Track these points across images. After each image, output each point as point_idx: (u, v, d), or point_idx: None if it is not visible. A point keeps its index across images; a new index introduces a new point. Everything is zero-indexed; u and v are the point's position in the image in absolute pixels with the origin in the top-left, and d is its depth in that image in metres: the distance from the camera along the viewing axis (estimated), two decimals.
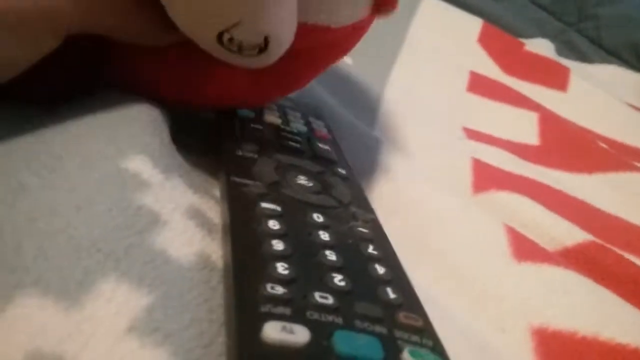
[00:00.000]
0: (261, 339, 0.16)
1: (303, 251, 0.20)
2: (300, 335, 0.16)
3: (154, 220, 0.20)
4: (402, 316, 0.19)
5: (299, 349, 0.16)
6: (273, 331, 0.16)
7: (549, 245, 0.31)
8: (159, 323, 0.17)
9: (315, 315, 0.17)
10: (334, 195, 0.25)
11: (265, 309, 0.17)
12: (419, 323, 0.19)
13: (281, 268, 0.19)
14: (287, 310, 0.17)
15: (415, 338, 0.18)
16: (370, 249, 0.22)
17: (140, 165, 0.21)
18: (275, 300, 0.17)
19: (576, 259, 0.30)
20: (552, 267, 0.27)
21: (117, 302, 0.17)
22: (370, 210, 0.26)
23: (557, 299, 0.25)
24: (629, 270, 0.29)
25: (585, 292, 0.25)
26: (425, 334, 0.18)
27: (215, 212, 0.24)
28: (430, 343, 0.18)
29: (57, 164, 0.20)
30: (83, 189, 0.19)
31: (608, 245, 0.32)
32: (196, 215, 0.22)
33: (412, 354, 0.17)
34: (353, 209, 0.25)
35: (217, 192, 0.25)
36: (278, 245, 0.20)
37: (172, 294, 0.18)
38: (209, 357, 0.17)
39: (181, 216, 0.22)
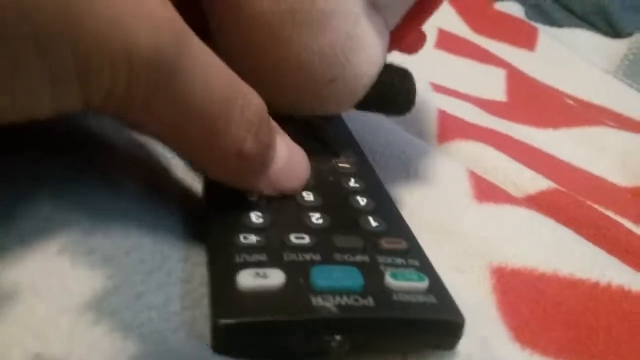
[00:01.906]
0: (235, 289, 0.15)
1: (277, 198, 0.20)
2: (274, 278, 0.16)
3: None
4: (384, 242, 0.18)
5: (274, 291, 0.16)
6: (246, 279, 0.16)
7: (513, 193, 0.31)
8: (96, 245, 0.16)
9: (292, 257, 0.17)
10: (316, 136, 0.25)
11: (239, 259, 0.16)
12: (403, 245, 0.18)
13: (255, 217, 0.18)
14: (262, 257, 0.17)
15: (399, 260, 0.18)
16: (352, 183, 0.22)
17: None
18: (250, 249, 0.17)
19: (539, 205, 0.30)
20: (513, 208, 0.26)
21: (52, 224, 0.16)
22: (354, 144, 0.25)
23: (518, 238, 0.24)
24: (591, 215, 0.29)
25: (547, 231, 0.25)
26: (411, 254, 0.18)
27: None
28: (416, 262, 0.18)
29: None
30: None
31: (571, 193, 0.32)
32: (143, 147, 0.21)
33: (393, 276, 0.17)
34: (337, 148, 0.24)
35: None
36: (252, 196, 0.19)
37: (114, 219, 0.17)
38: (148, 286, 0.16)
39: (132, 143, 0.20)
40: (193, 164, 0.20)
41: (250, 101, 0.17)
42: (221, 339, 0.15)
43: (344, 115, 0.31)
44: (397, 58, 0.27)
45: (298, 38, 0.19)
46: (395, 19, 0.23)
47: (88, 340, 0.13)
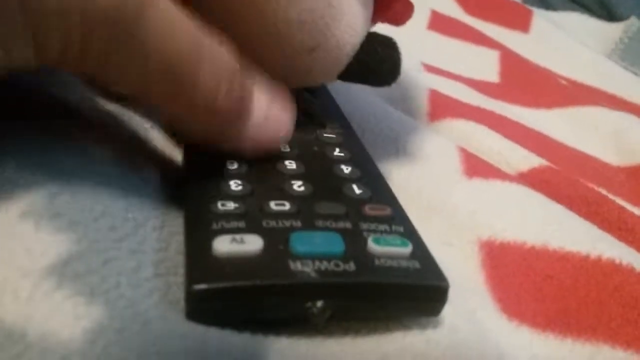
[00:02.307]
0: (211, 255, 0.15)
1: (260, 166, 0.19)
2: (252, 243, 0.15)
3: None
4: (367, 208, 0.18)
5: (252, 257, 0.15)
6: (222, 245, 0.15)
7: (505, 170, 0.30)
8: (62, 209, 0.15)
9: (272, 223, 0.16)
10: (302, 108, 0.24)
11: (217, 226, 0.16)
12: (387, 212, 0.18)
13: (234, 185, 0.18)
14: (240, 224, 0.16)
15: (383, 227, 0.17)
16: (337, 152, 0.21)
17: None
18: (227, 216, 0.16)
19: (531, 182, 0.29)
20: (504, 183, 0.26)
21: (16, 185, 0.15)
22: (341, 117, 0.25)
23: (507, 212, 0.24)
24: (583, 192, 0.28)
25: (537, 206, 0.24)
26: (395, 220, 0.17)
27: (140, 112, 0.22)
28: (400, 229, 0.17)
29: None
30: None
31: (564, 171, 0.31)
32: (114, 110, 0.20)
33: (376, 241, 0.16)
34: (322, 118, 0.23)
35: None
36: (232, 164, 0.19)
37: (84, 184, 0.16)
38: (117, 252, 0.15)
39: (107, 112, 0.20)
40: (165, 120, 0.19)
41: (219, 54, 0.16)
42: (195, 305, 0.14)
43: (333, 92, 0.30)
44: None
45: (276, 6, 0.18)
46: None
47: (49, 305, 0.13)
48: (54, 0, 0.12)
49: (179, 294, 0.15)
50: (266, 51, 0.20)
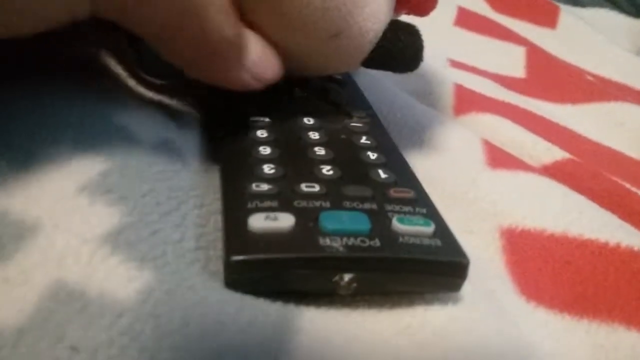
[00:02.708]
0: (247, 230, 0.16)
1: (292, 152, 0.20)
2: (284, 221, 0.17)
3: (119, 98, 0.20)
4: (392, 191, 0.19)
5: (284, 232, 0.16)
6: (256, 221, 0.16)
7: (528, 162, 0.31)
8: (113, 186, 0.16)
9: (303, 203, 0.18)
10: (330, 99, 0.25)
11: (251, 205, 0.17)
12: (411, 194, 0.19)
13: (267, 169, 0.19)
14: (274, 204, 0.17)
15: (407, 208, 0.18)
16: (363, 140, 0.22)
17: None
18: (262, 196, 0.18)
19: (553, 174, 0.30)
20: (526, 174, 0.26)
21: (69, 166, 0.16)
22: (368, 107, 0.26)
23: (529, 201, 0.25)
24: (604, 184, 0.29)
25: (558, 196, 0.25)
26: (419, 202, 0.19)
27: (181, 105, 0.23)
28: (423, 210, 0.18)
29: None
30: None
31: (586, 163, 0.32)
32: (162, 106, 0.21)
33: (400, 220, 0.17)
34: (349, 108, 0.24)
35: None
36: (265, 150, 0.20)
37: (131, 165, 0.18)
38: (163, 224, 0.16)
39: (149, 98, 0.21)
40: (184, 66, 0.21)
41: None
42: (233, 274, 0.16)
43: (360, 84, 0.31)
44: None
45: None
46: None
47: (105, 268, 0.14)
48: None
49: (218, 265, 0.16)
50: (291, 37, 0.21)
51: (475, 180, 0.26)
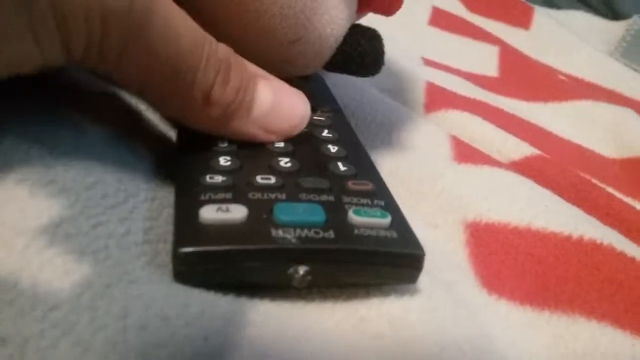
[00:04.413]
0: (198, 222, 0.16)
1: (249, 145, 0.20)
2: (236, 212, 0.16)
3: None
4: (351, 184, 0.19)
5: (236, 224, 0.16)
6: (208, 213, 0.16)
7: (496, 158, 0.31)
8: (55, 177, 0.16)
9: (257, 195, 0.17)
10: None
11: (204, 197, 0.17)
12: (369, 187, 0.19)
13: (223, 160, 0.19)
14: (227, 195, 0.17)
15: (364, 200, 0.18)
16: (325, 133, 0.22)
17: None
18: (215, 188, 0.17)
19: (521, 170, 0.30)
20: (492, 168, 0.26)
21: (11, 157, 0.16)
22: (332, 102, 0.25)
23: (494, 195, 0.24)
24: (571, 179, 0.29)
25: (524, 190, 0.25)
26: (377, 195, 0.18)
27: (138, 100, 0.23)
28: (381, 203, 0.18)
29: None
30: None
31: (554, 160, 0.32)
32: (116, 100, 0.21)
33: (356, 212, 0.17)
34: (313, 103, 0.24)
35: None
36: (223, 143, 0.20)
37: (77, 156, 0.17)
38: (108, 217, 0.16)
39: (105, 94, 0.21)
40: (167, 113, 0.20)
41: (215, 49, 0.17)
42: (182, 267, 0.15)
43: (329, 80, 0.31)
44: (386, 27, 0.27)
45: (259, 2, 0.19)
46: None
47: (40, 260, 0.13)
48: (78, 2, 0.14)
49: (167, 259, 0.16)
50: (251, 44, 0.20)
51: (441, 175, 0.26)
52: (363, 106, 0.31)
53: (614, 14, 0.72)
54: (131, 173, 0.18)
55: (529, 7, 0.58)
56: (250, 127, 0.19)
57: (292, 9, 0.20)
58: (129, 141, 0.20)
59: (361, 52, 0.23)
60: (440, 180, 0.25)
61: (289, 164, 0.19)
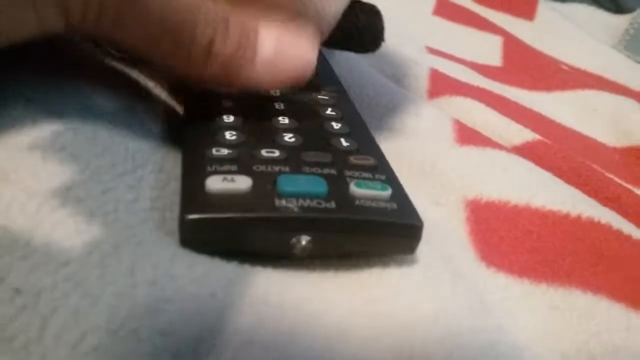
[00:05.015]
0: (204, 191, 0.16)
1: (255, 121, 0.20)
2: (241, 182, 0.17)
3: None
4: (353, 158, 0.19)
5: (241, 194, 0.16)
6: (214, 183, 0.16)
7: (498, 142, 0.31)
8: (66, 144, 0.16)
9: (262, 168, 0.18)
10: None
11: (210, 168, 0.17)
12: (371, 162, 0.19)
13: (229, 135, 0.19)
14: (233, 167, 0.17)
15: (366, 174, 0.18)
16: (329, 111, 0.22)
17: None
18: (221, 160, 0.18)
19: (523, 154, 0.30)
20: (493, 150, 0.27)
21: (22, 124, 0.16)
22: (337, 83, 0.26)
23: (495, 175, 0.25)
24: (572, 164, 0.29)
25: (524, 171, 0.25)
26: (379, 170, 0.19)
27: (147, 75, 0.23)
28: (382, 177, 0.18)
29: None
30: None
31: (556, 145, 0.32)
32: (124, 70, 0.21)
33: (358, 185, 0.17)
34: (318, 83, 0.24)
35: None
36: (229, 118, 0.20)
37: (86, 126, 0.17)
38: (117, 184, 0.16)
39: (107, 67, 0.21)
40: (171, 71, 0.21)
41: (213, 7, 0.17)
42: (188, 233, 0.16)
43: (334, 63, 0.31)
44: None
45: None
46: None
47: (53, 220, 0.14)
48: None
49: (174, 226, 0.16)
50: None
51: (443, 156, 0.26)
52: (368, 90, 0.31)
53: (617, 8, 0.72)
54: (139, 144, 0.19)
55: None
56: (255, 76, 0.19)
57: None
58: (137, 113, 0.20)
59: (360, 28, 0.23)
60: (442, 161, 0.26)
61: (293, 139, 0.19)
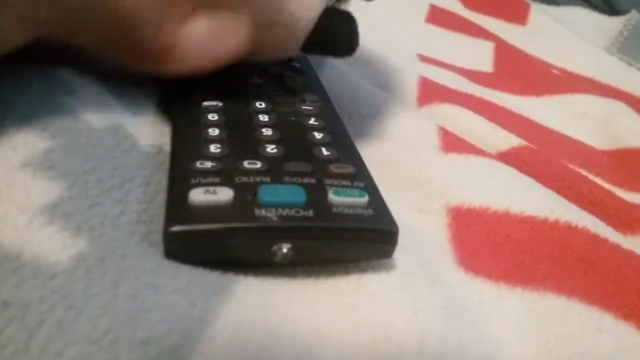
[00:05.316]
0: (187, 203, 0.17)
1: (239, 133, 0.21)
2: (223, 194, 0.17)
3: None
4: (332, 167, 0.20)
5: (222, 205, 0.17)
6: (196, 195, 0.17)
7: (484, 149, 0.32)
8: (56, 162, 0.17)
9: (244, 179, 0.18)
10: (286, 85, 0.26)
11: (194, 181, 0.18)
12: (350, 170, 0.20)
13: (213, 148, 0.20)
14: (215, 179, 0.18)
15: (345, 182, 0.19)
16: (312, 121, 0.23)
17: None
18: (205, 173, 0.18)
19: (507, 160, 0.31)
20: (477, 157, 0.27)
21: (15, 141, 0.17)
22: (322, 93, 0.26)
23: (478, 182, 0.25)
24: (556, 169, 0.30)
25: (506, 177, 0.26)
26: (357, 177, 0.19)
27: (136, 91, 0.24)
28: (361, 184, 0.19)
29: None
30: None
31: (541, 150, 0.33)
32: (113, 87, 0.22)
33: (336, 193, 0.18)
34: (304, 94, 0.25)
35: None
36: (214, 131, 0.21)
37: (76, 143, 0.18)
38: (104, 199, 0.17)
39: (96, 85, 0.22)
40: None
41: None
42: (172, 245, 0.16)
43: (321, 73, 0.32)
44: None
45: None
46: None
47: (41, 235, 0.15)
48: None
49: (159, 238, 0.17)
50: None
51: (428, 164, 0.27)
52: (356, 99, 0.32)
53: (612, 10, 0.73)
54: (126, 159, 0.19)
55: (526, 4, 0.59)
56: (185, 57, 0.21)
57: None
58: (126, 128, 0.21)
59: (335, 34, 0.24)
60: (426, 169, 0.26)
61: (275, 150, 0.20)
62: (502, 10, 0.58)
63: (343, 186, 0.19)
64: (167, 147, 0.21)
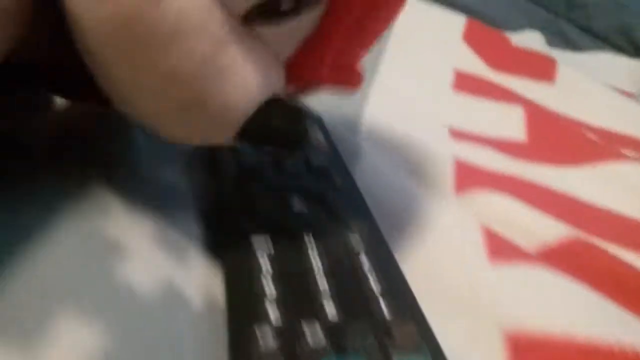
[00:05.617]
0: None
1: (295, 288, 0.21)
2: None
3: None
4: (394, 329, 0.19)
5: None
6: None
7: (529, 243, 0.31)
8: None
9: (307, 349, 0.18)
10: (328, 207, 0.26)
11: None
12: (413, 329, 0.19)
13: (272, 312, 0.19)
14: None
15: (408, 345, 0.18)
16: (362, 259, 0.23)
17: None
18: (268, 356, 0.18)
19: (556, 258, 0.30)
20: (527, 267, 0.27)
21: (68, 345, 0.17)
22: (365, 212, 0.26)
23: (533, 301, 0.25)
24: (609, 264, 0.29)
25: (562, 294, 0.25)
26: (421, 336, 0.19)
27: (181, 235, 0.24)
28: (425, 347, 0.18)
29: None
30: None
31: (593, 239, 0.31)
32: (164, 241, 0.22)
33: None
34: (348, 219, 0.25)
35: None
36: (269, 285, 0.20)
37: (132, 331, 0.18)
38: None
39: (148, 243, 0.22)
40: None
41: None
42: None
43: (354, 167, 0.31)
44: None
45: (140, 58, 0.18)
46: (285, 49, 0.21)
47: None
48: None
49: None
50: (140, 104, 0.20)
51: (477, 280, 0.26)
52: (391, 197, 0.31)
53: (636, 50, 0.72)
54: (181, 328, 0.19)
55: (552, 60, 0.58)
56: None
57: (182, 73, 0.18)
58: (175, 287, 0.21)
59: (274, 128, 0.22)
60: (476, 286, 0.26)
61: (334, 312, 0.20)
62: (529, 68, 0.57)
63: (408, 350, 0.18)
64: (220, 301, 0.21)
